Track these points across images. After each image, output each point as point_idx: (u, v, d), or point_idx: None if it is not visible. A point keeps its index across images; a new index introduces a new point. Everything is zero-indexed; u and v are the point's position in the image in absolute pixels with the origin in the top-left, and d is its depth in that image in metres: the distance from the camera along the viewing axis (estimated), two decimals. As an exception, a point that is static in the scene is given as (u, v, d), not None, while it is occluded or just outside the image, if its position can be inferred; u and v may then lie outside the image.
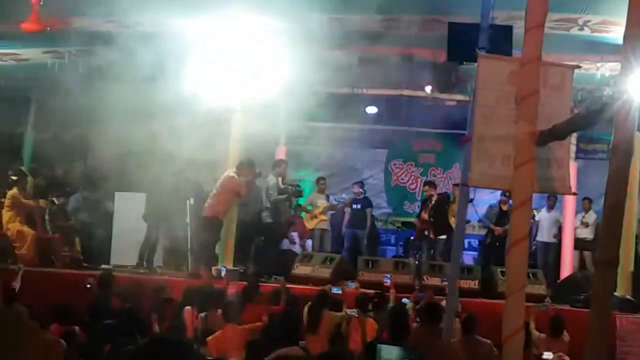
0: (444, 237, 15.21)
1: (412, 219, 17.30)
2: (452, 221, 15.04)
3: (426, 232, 15.53)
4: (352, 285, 12.38)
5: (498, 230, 15.21)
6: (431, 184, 16.44)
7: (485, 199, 16.31)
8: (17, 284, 10.26)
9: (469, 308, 10.58)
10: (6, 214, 14.07)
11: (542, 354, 9.46)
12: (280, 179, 14.67)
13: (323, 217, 16.19)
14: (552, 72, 6.03)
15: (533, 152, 5.36)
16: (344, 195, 17.87)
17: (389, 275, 12.70)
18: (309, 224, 16.28)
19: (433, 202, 15.67)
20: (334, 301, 11.08)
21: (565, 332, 10.44)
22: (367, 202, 16.69)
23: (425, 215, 15.63)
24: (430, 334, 8.76)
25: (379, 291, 11.57)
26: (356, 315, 10.01)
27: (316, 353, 6.42)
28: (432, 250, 15.41)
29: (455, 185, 15.96)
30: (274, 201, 14.24)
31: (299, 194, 15.36)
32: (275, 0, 10.73)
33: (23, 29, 10.30)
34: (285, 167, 15.16)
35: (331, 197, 16.85)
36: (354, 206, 16.53)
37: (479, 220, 16.67)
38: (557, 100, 6.02)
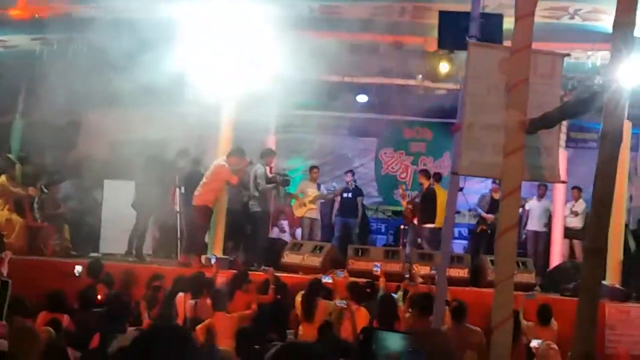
0: (431, 225, 15.30)
1: (402, 208, 17.28)
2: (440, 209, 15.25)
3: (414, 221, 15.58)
4: (341, 274, 12.38)
5: (490, 218, 15.22)
6: (424, 171, 16.45)
7: (475, 188, 16.33)
8: (4, 270, 10.22)
9: (458, 297, 10.60)
10: (-2, 202, 14.02)
11: (530, 342, 9.49)
12: (268, 168, 14.65)
13: (312, 205, 16.15)
14: (542, 60, 6.01)
15: (523, 140, 5.34)
16: (334, 184, 17.85)
17: (378, 264, 12.71)
18: (298, 212, 16.24)
19: (423, 190, 15.71)
20: (326, 290, 11.12)
21: (553, 321, 10.48)
22: (358, 191, 16.69)
23: (406, 204, 15.84)
24: (422, 324, 8.79)
25: (370, 280, 11.59)
26: (345, 307, 10.02)
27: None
28: (418, 239, 15.49)
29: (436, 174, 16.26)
30: (262, 190, 14.19)
31: (287, 183, 15.35)
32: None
33: (11, 16, 10.23)
34: (274, 157, 15.13)
35: (322, 187, 16.83)
36: (345, 195, 16.52)
37: (469, 209, 16.69)
38: (547, 88, 6.01)
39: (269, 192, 14.50)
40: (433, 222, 15.30)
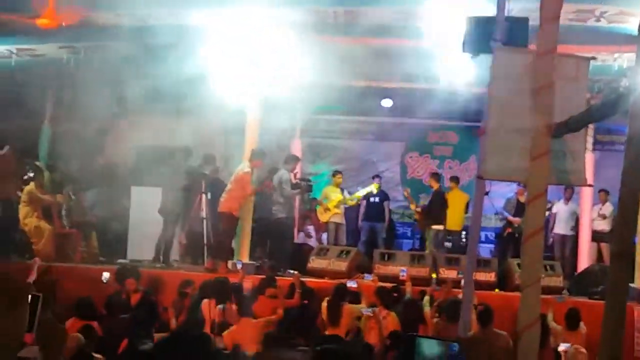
0: (440, 227, 15.47)
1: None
2: (453, 212, 15.68)
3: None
4: (369, 278, 12.39)
5: (517, 221, 15.18)
6: (435, 175, 16.55)
7: (502, 191, 16.24)
8: (32, 277, 10.32)
9: (485, 301, 10.56)
10: (23, 210, 14.12)
11: (558, 346, 9.44)
12: (292, 174, 14.68)
13: (336, 210, 16.20)
14: (567, 64, 5.99)
15: (549, 144, 5.32)
16: (359, 189, 17.86)
17: (404, 269, 12.71)
18: (323, 217, 16.30)
19: (432, 193, 15.93)
20: (352, 294, 11.13)
21: (582, 324, 10.41)
22: (384, 196, 16.70)
23: (414, 208, 16.07)
24: (450, 330, 8.78)
25: (396, 285, 11.59)
26: (371, 314, 9.99)
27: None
28: (425, 241, 15.80)
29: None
30: (287, 195, 14.22)
31: (310, 188, 15.39)
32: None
33: (39, 25, 10.33)
34: (298, 162, 15.17)
35: (345, 191, 16.86)
36: (372, 199, 16.52)
37: (496, 213, 16.63)
38: (573, 92, 5.99)
39: (294, 197, 14.52)
40: (441, 224, 15.50)
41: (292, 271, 12.98)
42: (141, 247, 14.43)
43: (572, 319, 10.40)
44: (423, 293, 11.27)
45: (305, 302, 11.09)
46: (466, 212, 15.98)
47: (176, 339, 3.89)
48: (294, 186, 14.51)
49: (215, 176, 15.43)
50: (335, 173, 16.88)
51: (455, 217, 15.86)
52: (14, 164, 14.08)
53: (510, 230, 15.62)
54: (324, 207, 16.26)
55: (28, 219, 14.14)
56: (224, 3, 11.25)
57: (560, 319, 10.52)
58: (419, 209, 15.93)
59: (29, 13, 10.63)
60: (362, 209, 17.06)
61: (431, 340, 6.86)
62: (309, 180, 15.59)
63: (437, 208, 15.59)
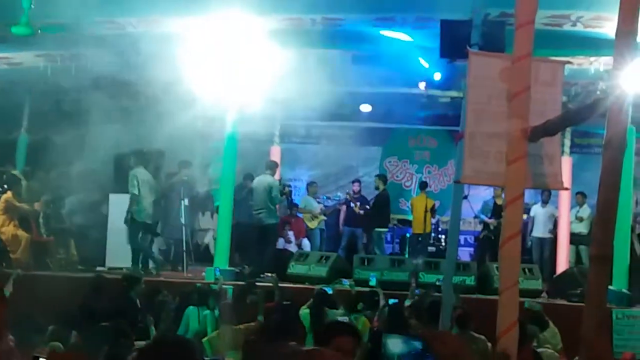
0: (384, 229, 16.18)
1: (408, 217, 17.41)
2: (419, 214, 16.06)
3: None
4: (346, 283, 12.42)
5: (491, 222, 15.38)
6: (381, 176, 16.81)
7: (481, 195, 16.34)
8: (9, 289, 10.19)
9: (465, 304, 10.60)
10: (0, 218, 14.04)
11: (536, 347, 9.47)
12: (279, 181, 14.86)
13: (323, 217, 16.47)
14: (543, 68, 6.00)
15: (525, 149, 5.34)
16: (339, 194, 17.92)
17: (374, 275, 12.76)
18: (311, 224, 16.49)
19: (377, 194, 16.21)
20: (330, 299, 11.13)
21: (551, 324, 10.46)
22: (364, 200, 16.77)
23: (357, 209, 16.20)
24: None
25: (374, 289, 11.60)
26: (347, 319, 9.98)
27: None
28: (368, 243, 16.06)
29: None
30: (277, 202, 14.37)
31: (290, 194, 15.49)
32: (270, 0, 10.74)
33: (14, 32, 10.28)
34: (277, 168, 15.26)
35: (322, 199, 17.03)
36: (352, 205, 16.58)
37: (475, 217, 16.74)
38: (549, 96, 5.99)
39: (280, 203, 14.66)
40: (386, 227, 16.29)
41: (270, 274, 12.97)
42: (120, 254, 14.36)
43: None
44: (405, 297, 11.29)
45: (286, 302, 11.04)
46: (433, 216, 16.31)
47: (160, 346, 3.86)
48: (282, 193, 14.64)
49: (192, 182, 15.41)
50: (310, 184, 17.08)
51: (418, 221, 16.34)
52: None
53: (485, 232, 15.77)
54: (312, 215, 16.42)
55: (5, 227, 14.07)
56: (202, 12, 11.23)
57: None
58: (361, 211, 16.07)
59: (4, 21, 10.54)
60: (342, 215, 17.09)
61: (397, 338, 6.88)
62: (289, 186, 15.64)
63: (380, 209, 15.81)
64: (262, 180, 14.40)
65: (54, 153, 16.36)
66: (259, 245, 14.44)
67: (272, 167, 14.79)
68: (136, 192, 13.66)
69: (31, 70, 14.68)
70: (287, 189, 15.13)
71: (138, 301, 10.84)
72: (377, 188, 16.32)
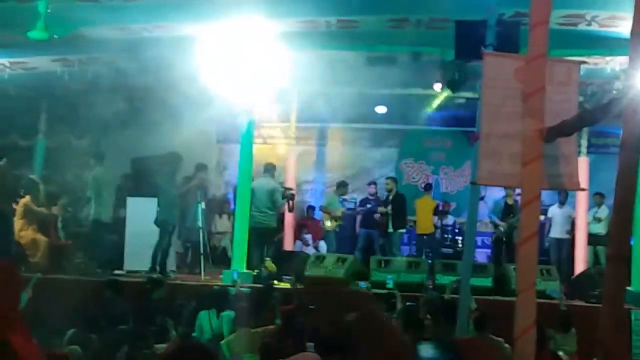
0: (402, 230, 16.16)
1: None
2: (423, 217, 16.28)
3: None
4: (364, 285, 12.41)
5: (502, 225, 15.39)
6: (392, 178, 16.74)
7: (497, 196, 16.28)
8: (29, 293, 10.22)
9: (482, 306, 10.57)
10: (18, 222, 14.11)
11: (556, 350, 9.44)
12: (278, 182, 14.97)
13: (339, 221, 16.52)
14: (558, 68, 5.99)
15: (541, 149, 5.33)
16: (354, 196, 17.93)
17: (391, 277, 12.78)
18: (329, 226, 16.48)
19: (391, 197, 16.08)
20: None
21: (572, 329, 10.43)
22: (381, 203, 16.75)
23: (384, 209, 16.02)
24: (444, 334, 8.78)
25: (391, 291, 11.59)
26: None
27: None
28: (384, 245, 16.02)
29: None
30: (279, 206, 14.49)
31: (293, 197, 15.50)
32: (284, 3, 10.77)
33: (30, 37, 10.35)
34: (275, 171, 15.36)
35: (340, 200, 17.03)
36: (369, 206, 16.57)
37: (489, 216, 16.72)
38: (565, 96, 5.98)
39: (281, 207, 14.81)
40: (404, 228, 16.29)
41: (288, 277, 13.03)
42: (138, 257, 14.40)
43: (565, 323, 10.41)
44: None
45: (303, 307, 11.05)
46: (442, 216, 16.51)
47: (184, 350, 3.89)
48: (283, 197, 14.67)
49: (207, 186, 15.50)
50: (341, 183, 17.08)
51: (423, 222, 16.57)
52: (10, 176, 14.06)
53: (497, 234, 15.77)
54: (332, 216, 16.44)
55: (24, 232, 14.14)
56: (217, 15, 11.27)
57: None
58: (381, 214, 16.07)
59: (21, 26, 10.63)
60: (359, 217, 17.09)
61: (427, 344, 6.89)
62: (291, 189, 15.69)
63: (398, 211, 16.00)
64: (263, 183, 14.32)
65: (72, 157, 16.48)
66: (259, 248, 14.46)
67: (271, 169, 14.76)
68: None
69: (48, 75, 14.76)
70: (287, 192, 15.09)
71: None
72: (389, 190, 16.27)
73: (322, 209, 17.10)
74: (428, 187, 17.40)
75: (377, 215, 16.08)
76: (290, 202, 15.36)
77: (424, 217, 16.57)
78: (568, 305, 11.51)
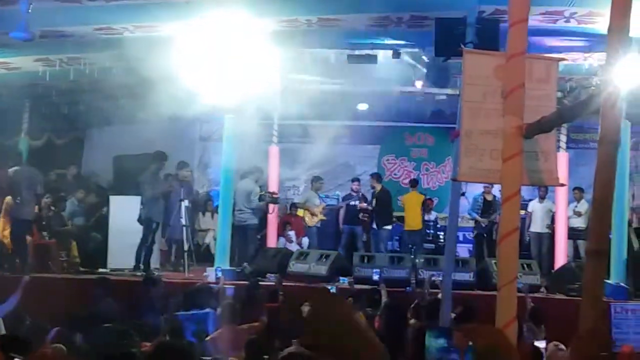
0: (388, 227, 16.32)
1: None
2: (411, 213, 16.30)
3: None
4: (345, 281, 12.50)
5: (483, 221, 15.51)
6: (377, 175, 17.03)
7: (476, 192, 16.39)
8: (17, 296, 10.19)
9: (465, 300, 10.67)
10: (1, 221, 14.09)
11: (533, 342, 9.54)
12: (257, 185, 15.11)
13: (322, 216, 16.56)
14: (537, 66, 6.09)
15: (521, 145, 5.42)
16: (337, 192, 18.01)
17: (378, 270, 12.90)
18: (310, 222, 16.56)
19: (376, 193, 16.32)
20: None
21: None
22: (365, 199, 16.83)
23: (364, 205, 16.31)
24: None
25: (375, 287, 11.67)
26: None
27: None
28: (368, 241, 16.38)
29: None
30: (254, 208, 14.94)
31: (275, 201, 15.70)
32: (266, 2, 10.81)
33: (12, 37, 10.35)
34: (261, 174, 15.52)
35: (322, 197, 17.11)
36: (352, 203, 16.65)
37: (468, 212, 16.83)
38: (544, 93, 6.08)
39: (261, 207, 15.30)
40: (390, 224, 16.36)
41: (273, 275, 13.10)
42: (122, 255, 14.43)
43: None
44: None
45: (287, 305, 11.11)
46: (427, 211, 16.52)
47: (164, 348, 3.93)
48: (260, 198, 14.86)
49: (190, 183, 15.59)
50: (315, 179, 17.11)
51: (412, 218, 16.53)
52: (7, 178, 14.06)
53: (478, 230, 15.90)
54: (311, 212, 16.51)
55: (6, 231, 14.11)
56: (198, 15, 11.30)
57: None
58: (367, 208, 16.19)
59: (3, 27, 10.63)
60: (342, 213, 17.16)
61: (434, 332, 7.02)
62: (274, 193, 15.83)
63: (383, 207, 16.20)
64: (244, 185, 14.96)
65: (54, 155, 16.46)
66: (243, 245, 14.87)
67: (254, 172, 15.32)
68: None
69: (30, 75, 14.73)
70: (270, 196, 15.40)
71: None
72: (373, 187, 16.43)
73: (297, 205, 17.23)
74: (414, 183, 17.47)
75: (361, 215, 16.19)
76: (272, 205, 15.61)
77: (412, 214, 16.62)
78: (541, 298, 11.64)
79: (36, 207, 14.69)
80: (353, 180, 17.32)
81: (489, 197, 15.64)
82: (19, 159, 15.33)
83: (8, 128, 17.15)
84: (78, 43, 12.78)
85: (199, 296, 10.95)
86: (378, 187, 16.36)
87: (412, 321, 9.88)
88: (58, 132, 18.49)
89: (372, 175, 16.96)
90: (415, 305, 10.37)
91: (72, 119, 18.21)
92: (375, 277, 12.69)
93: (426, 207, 16.90)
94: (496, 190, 13.43)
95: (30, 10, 9.91)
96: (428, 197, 17.70)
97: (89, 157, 19.28)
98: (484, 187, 15.55)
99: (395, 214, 18.12)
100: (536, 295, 12.45)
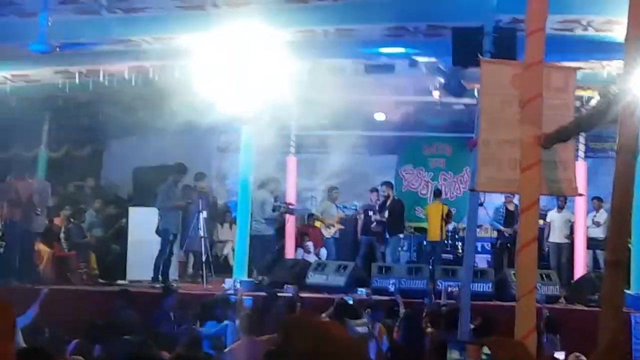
0: (400, 236, 16.35)
1: (425, 225, 17.41)
2: (434, 222, 16.14)
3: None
4: (363, 292, 12.47)
5: (507, 230, 15.34)
6: (389, 184, 16.87)
7: (497, 202, 16.30)
8: (35, 310, 10.20)
9: (484, 311, 10.62)
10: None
11: (553, 354, 9.47)
12: (273, 196, 15.09)
13: (340, 225, 16.51)
14: (555, 75, 6.07)
15: (539, 155, 5.41)
16: (355, 203, 17.97)
17: (393, 282, 12.88)
18: (327, 233, 16.53)
19: (389, 202, 16.24)
20: (351, 309, 11.14)
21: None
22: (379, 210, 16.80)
23: (378, 217, 16.20)
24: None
25: (393, 297, 11.65)
26: (367, 332, 10.01)
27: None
28: (383, 251, 16.19)
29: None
30: (267, 218, 14.98)
31: (291, 212, 15.72)
32: (283, 12, 10.83)
33: (32, 50, 10.44)
34: (277, 184, 15.53)
35: (340, 207, 17.07)
36: (370, 213, 16.62)
37: (490, 223, 16.73)
38: (562, 102, 6.06)
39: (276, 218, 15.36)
40: (402, 232, 16.41)
41: (290, 286, 13.10)
42: (141, 267, 14.48)
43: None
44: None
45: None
46: (449, 222, 16.35)
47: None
48: (274, 208, 14.89)
49: (208, 194, 15.63)
50: (332, 189, 17.09)
51: (434, 229, 16.26)
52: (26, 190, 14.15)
53: (501, 240, 15.79)
54: (327, 223, 16.49)
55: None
56: (216, 25, 11.34)
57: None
58: (380, 219, 16.19)
59: (23, 40, 10.71)
60: (360, 223, 17.13)
61: (456, 345, 6.98)
62: (291, 204, 15.85)
63: (396, 217, 16.17)
64: (259, 195, 14.93)
65: (73, 167, 16.52)
66: (259, 255, 14.83)
67: (269, 182, 15.31)
68: None
69: (49, 87, 14.83)
70: (284, 206, 15.44)
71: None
72: (386, 196, 16.38)
73: (313, 217, 17.27)
74: (438, 193, 17.26)
75: (373, 225, 16.16)
76: (288, 215, 15.64)
77: (434, 224, 16.46)
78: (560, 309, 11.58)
79: (56, 219, 14.80)
80: (372, 191, 17.26)
81: (511, 207, 15.50)
82: (33, 171, 15.45)
83: (28, 140, 17.25)
84: (97, 55, 12.85)
85: (218, 307, 10.97)
86: (391, 196, 16.36)
87: (429, 330, 9.84)
88: (77, 144, 18.57)
89: (387, 184, 16.90)
90: (431, 313, 10.32)
91: (92, 130, 18.30)
92: (391, 288, 12.66)
93: (448, 217, 16.72)
94: (517, 199, 13.37)
95: (49, 23, 9.97)
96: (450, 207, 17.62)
97: (108, 168, 19.37)
98: (506, 196, 15.45)
99: (412, 224, 18.10)
100: (555, 305, 12.40)
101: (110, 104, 15.57)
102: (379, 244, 16.44)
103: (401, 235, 16.39)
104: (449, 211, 16.72)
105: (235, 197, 15.87)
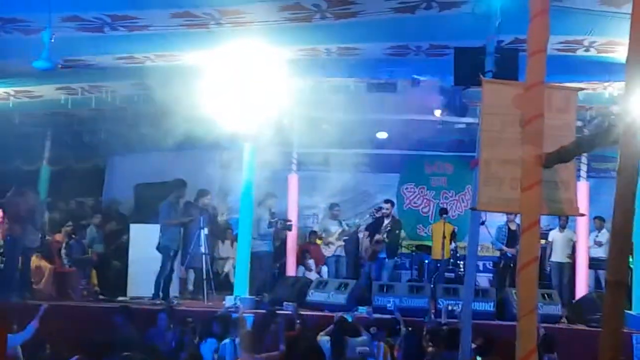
0: (396, 258, 16.38)
1: (427, 243, 17.39)
2: (438, 241, 16.06)
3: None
4: (363, 311, 12.46)
5: (511, 250, 15.31)
6: (390, 202, 16.87)
7: (499, 222, 16.30)
8: (35, 325, 10.20)
9: (485, 331, 10.60)
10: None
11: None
12: (270, 212, 15.08)
13: (340, 243, 16.44)
14: (556, 95, 6.08)
15: (540, 175, 5.40)
16: (356, 221, 17.96)
17: (393, 300, 12.90)
18: (327, 252, 16.50)
19: (388, 222, 16.19)
20: (352, 327, 11.14)
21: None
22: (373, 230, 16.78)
23: (380, 237, 16.05)
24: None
25: (394, 316, 11.64)
26: (368, 351, 10.01)
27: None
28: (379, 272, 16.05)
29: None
30: (262, 234, 15.08)
31: (289, 228, 15.73)
32: (286, 30, 10.88)
33: (35, 66, 10.49)
34: (274, 200, 15.52)
35: (343, 223, 17.02)
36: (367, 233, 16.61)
37: (492, 243, 16.71)
38: (563, 123, 6.06)
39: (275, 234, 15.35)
40: (395, 257, 16.52)
41: (289, 303, 13.09)
42: (141, 284, 14.48)
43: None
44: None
45: (306, 333, 11.09)
46: (454, 241, 16.29)
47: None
48: (270, 225, 14.92)
49: (210, 211, 15.63)
50: (332, 206, 17.08)
51: (437, 248, 16.20)
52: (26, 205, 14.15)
53: (503, 260, 15.75)
54: (326, 241, 16.47)
55: (29, 259, 14.20)
56: (219, 44, 11.40)
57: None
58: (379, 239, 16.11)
59: (26, 56, 10.76)
60: (363, 242, 17.10)
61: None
62: (289, 220, 15.86)
63: (396, 240, 16.36)
64: (255, 213, 14.90)
65: (75, 184, 16.54)
66: (257, 272, 14.84)
67: (266, 199, 15.36)
68: None
69: (52, 103, 14.89)
70: (281, 223, 15.46)
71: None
72: (387, 216, 16.35)
73: (314, 235, 17.29)
74: (443, 212, 16.99)
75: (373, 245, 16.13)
76: (288, 232, 15.65)
77: (438, 242, 16.39)
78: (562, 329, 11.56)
79: (57, 234, 14.81)
80: (377, 209, 17.26)
81: (513, 227, 15.52)
82: (34, 187, 15.47)
83: (30, 155, 17.30)
84: (100, 72, 12.91)
85: (218, 324, 10.96)
86: (391, 214, 16.37)
87: (430, 349, 9.84)
88: (79, 160, 18.63)
89: (389, 202, 16.86)
90: (431, 331, 10.31)
91: (94, 146, 18.34)
92: (389, 307, 12.67)
93: (453, 236, 16.65)
94: (519, 219, 13.35)
95: (52, 40, 10.02)
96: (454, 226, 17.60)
97: (110, 184, 19.41)
98: (507, 216, 15.47)
99: (414, 242, 18.11)
100: (556, 325, 12.39)
101: (113, 121, 15.63)
102: (385, 263, 16.41)
103: (396, 258, 16.35)
104: (454, 230, 16.67)
105: (236, 214, 15.89)
